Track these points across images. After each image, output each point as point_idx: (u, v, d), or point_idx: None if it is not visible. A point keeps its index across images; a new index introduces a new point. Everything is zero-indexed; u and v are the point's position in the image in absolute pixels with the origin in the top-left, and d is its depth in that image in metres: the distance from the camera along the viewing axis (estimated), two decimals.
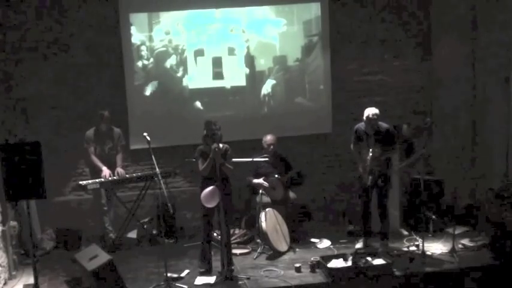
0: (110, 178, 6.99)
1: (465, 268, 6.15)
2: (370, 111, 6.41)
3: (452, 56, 8.06)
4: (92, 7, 7.64)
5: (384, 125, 6.54)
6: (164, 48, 7.88)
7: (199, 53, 7.97)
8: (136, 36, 7.78)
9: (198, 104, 8.01)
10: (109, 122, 7.19)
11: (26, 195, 5.52)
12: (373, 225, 6.80)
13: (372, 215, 6.78)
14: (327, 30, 8.17)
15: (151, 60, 7.85)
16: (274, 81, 8.17)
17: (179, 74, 7.96)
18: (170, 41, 7.88)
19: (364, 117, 6.43)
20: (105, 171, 7.02)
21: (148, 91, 7.90)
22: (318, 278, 6.00)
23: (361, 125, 6.56)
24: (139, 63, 7.84)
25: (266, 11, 8.10)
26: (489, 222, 7.02)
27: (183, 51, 7.93)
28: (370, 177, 6.45)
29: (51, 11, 7.55)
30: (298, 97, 8.28)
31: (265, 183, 7.01)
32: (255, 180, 7.06)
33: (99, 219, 7.18)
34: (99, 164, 7.08)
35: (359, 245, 6.72)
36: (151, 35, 7.84)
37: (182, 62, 7.94)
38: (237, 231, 7.24)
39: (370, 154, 6.40)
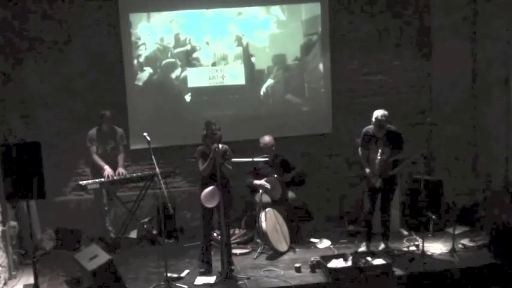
0: (110, 178, 6.99)
1: (465, 268, 6.15)
2: (380, 112, 6.39)
3: (452, 56, 8.05)
4: (91, 7, 7.64)
5: (392, 127, 6.52)
6: (163, 48, 7.87)
7: (198, 51, 7.96)
8: (136, 36, 7.78)
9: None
10: (111, 121, 7.18)
11: (26, 195, 5.52)
12: (374, 226, 6.79)
13: (373, 216, 6.76)
14: (326, 29, 8.15)
15: (152, 59, 7.84)
16: (273, 80, 8.16)
17: (179, 74, 7.96)
18: (170, 41, 7.88)
19: (373, 119, 6.38)
20: (108, 170, 7.02)
21: (148, 91, 7.88)
22: (318, 278, 6.00)
23: (369, 128, 6.52)
24: (139, 63, 7.83)
25: (265, 10, 8.07)
26: (489, 222, 7.02)
27: (183, 50, 7.93)
28: (379, 180, 6.44)
29: (51, 10, 7.55)
30: (288, 94, 8.24)
31: (267, 185, 6.98)
32: (256, 182, 7.04)
33: (100, 219, 7.18)
34: (101, 163, 7.07)
35: (362, 249, 6.69)
36: (150, 35, 7.82)
37: (182, 62, 7.93)
38: (237, 231, 7.23)
39: (379, 157, 6.39)
